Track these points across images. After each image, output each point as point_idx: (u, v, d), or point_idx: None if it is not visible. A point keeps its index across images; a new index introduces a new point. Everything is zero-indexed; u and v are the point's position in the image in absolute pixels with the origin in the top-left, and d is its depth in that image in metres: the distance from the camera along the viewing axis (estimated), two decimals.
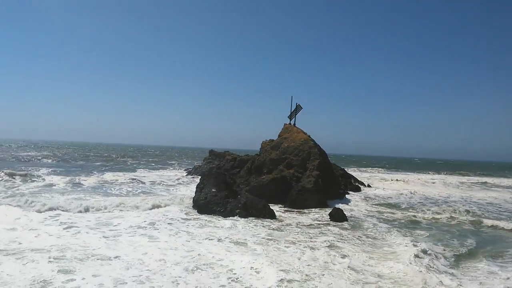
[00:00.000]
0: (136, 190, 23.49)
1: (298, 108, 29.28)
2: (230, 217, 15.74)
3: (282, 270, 9.07)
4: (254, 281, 8.33)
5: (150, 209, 17.09)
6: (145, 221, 14.25)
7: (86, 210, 15.86)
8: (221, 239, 12.10)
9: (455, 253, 11.86)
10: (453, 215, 19.24)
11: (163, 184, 27.07)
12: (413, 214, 19.35)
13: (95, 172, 34.47)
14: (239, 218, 15.67)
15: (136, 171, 39.67)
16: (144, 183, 26.59)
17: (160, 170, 43.00)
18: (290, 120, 29.12)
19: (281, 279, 8.41)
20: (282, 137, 26.69)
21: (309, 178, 22.52)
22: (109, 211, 16.10)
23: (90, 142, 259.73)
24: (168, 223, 14.18)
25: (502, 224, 16.89)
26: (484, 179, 50.92)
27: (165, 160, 64.31)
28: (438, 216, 18.79)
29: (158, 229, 13.10)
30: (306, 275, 8.90)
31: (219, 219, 15.56)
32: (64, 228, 12.55)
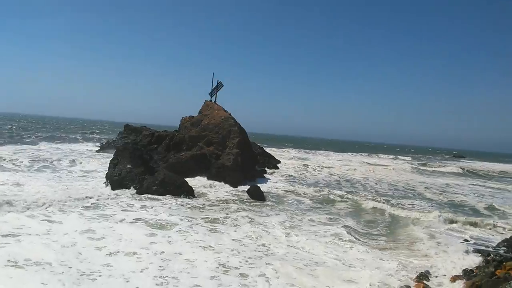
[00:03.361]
0: (41, 169, 20.83)
1: (219, 85, 28.88)
2: (145, 194, 15.06)
3: (215, 253, 8.90)
4: (189, 268, 7.83)
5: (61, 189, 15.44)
6: (47, 203, 12.83)
7: None
8: (137, 220, 11.41)
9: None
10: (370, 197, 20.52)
11: (71, 159, 24.70)
12: (328, 194, 19.74)
13: None
14: (155, 196, 15.07)
15: (38, 144, 35.51)
16: (49, 159, 23.93)
17: (67, 144, 39.26)
18: (211, 97, 28.67)
19: (218, 264, 8.15)
20: (203, 114, 26.20)
21: (229, 156, 22.58)
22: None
23: None
24: (74, 201, 12.97)
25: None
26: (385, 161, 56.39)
27: (73, 134, 58.90)
28: (349, 196, 19.62)
29: (63, 211, 11.80)
30: (244, 257, 8.84)
31: (135, 196, 14.80)
32: None
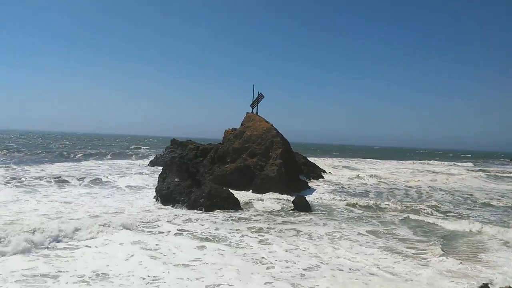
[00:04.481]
0: (92, 185, 21.90)
1: (260, 97, 29.13)
2: (194, 210, 15.18)
3: (267, 264, 8.92)
4: (243, 278, 7.92)
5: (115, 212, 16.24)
6: (101, 216, 13.53)
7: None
8: (187, 233, 11.72)
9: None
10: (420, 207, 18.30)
11: (122, 174, 25.92)
12: (378, 203, 18.73)
13: (41, 164, 30.29)
14: (203, 210, 15.17)
15: (89, 161, 37.38)
16: (100, 174, 25.24)
17: (118, 160, 41.18)
18: (252, 109, 28.96)
19: (271, 277, 8.10)
20: (245, 126, 26.50)
21: (272, 166, 22.59)
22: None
23: (32, 130, 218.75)
24: (126, 215, 13.53)
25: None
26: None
27: (124, 149, 61.74)
28: (403, 207, 18.34)
29: (117, 223, 12.27)
30: (296, 268, 8.79)
31: (183, 209, 15.15)
32: None
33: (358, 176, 31.67)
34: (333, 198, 19.90)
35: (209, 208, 15.42)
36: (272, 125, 26.37)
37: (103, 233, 10.99)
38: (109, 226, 11.62)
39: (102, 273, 7.90)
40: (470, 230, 13.48)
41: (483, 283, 8.02)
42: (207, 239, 10.93)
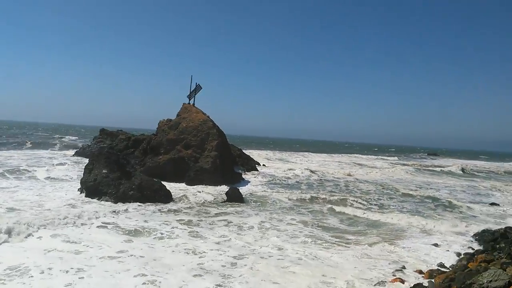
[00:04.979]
0: (8, 176, 19.93)
1: (198, 88, 28.66)
2: (123, 203, 14.45)
3: (195, 255, 8.84)
4: (171, 271, 7.78)
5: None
6: (18, 210, 12.43)
7: None
8: (114, 226, 11.21)
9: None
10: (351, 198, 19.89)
11: (44, 165, 23.87)
12: (309, 194, 19.51)
13: None
14: (131, 201, 14.65)
15: (7, 150, 34.07)
16: (19, 166, 23.03)
17: (40, 150, 37.82)
18: (190, 100, 28.43)
19: (199, 268, 8.06)
20: (181, 117, 25.95)
21: (207, 158, 22.44)
22: None
23: None
24: (47, 208, 12.58)
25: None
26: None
27: (47, 139, 56.89)
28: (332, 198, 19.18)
29: (36, 217, 11.40)
30: (225, 257, 8.85)
31: (111, 202, 14.44)
32: None
33: (291, 169, 32.58)
34: (266, 190, 20.33)
35: (139, 201, 14.90)
36: (208, 116, 26.14)
37: (21, 228, 10.07)
38: (27, 220, 10.67)
39: (24, 267, 7.40)
40: (391, 219, 14.61)
41: (399, 267, 8.76)
42: (135, 231, 10.58)
